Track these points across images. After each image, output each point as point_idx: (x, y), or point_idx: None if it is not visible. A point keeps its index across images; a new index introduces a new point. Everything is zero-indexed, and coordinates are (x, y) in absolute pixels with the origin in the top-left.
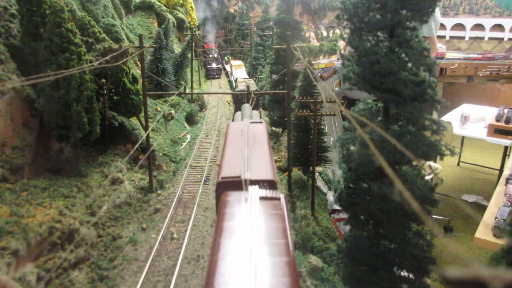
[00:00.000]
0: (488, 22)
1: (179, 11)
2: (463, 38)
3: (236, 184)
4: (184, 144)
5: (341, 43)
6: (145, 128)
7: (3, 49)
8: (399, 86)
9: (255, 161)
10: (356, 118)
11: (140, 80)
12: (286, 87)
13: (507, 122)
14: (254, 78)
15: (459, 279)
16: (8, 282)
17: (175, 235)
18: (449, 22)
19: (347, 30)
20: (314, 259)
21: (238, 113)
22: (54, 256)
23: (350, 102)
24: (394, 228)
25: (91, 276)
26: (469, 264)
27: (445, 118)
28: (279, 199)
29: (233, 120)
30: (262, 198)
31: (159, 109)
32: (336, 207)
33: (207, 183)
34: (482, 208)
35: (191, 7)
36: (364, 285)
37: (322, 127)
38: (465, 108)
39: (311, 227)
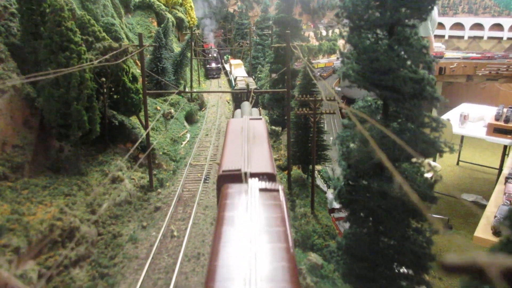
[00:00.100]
0: (487, 21)
1: (178, 10)
2: (462, 37)
3: (236, 177)
4: (184, 143)
5: (340, 43)
6: (145, 127)
7: (3, 48)
8: (399, 83)
9: (254, 155)
10: (356, 115)
11: (140, 79)
12: (285, 86)
13: (506, 121)
14: (254, 77)
15: (456, 266)
16: (9, 279)
17: (175, 233)
18: (448, 21)
19: (347, 28)
20: (314, 257)
21: (238, 110)
22: (55, 253)
23: (349, 102)
24: (393, 225)
25: (91, 273)
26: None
27: (444, 117)
28: (278, 190)
29: (233, 117)
30: (261, 190)
31: (159, 108)
32: (336, 205)
33: (207, 181)
34: (481, 207)
35: (191, 6)
36: (363, 281)
37: (322, 125)
38: (464, 108)
39: (311, 225)
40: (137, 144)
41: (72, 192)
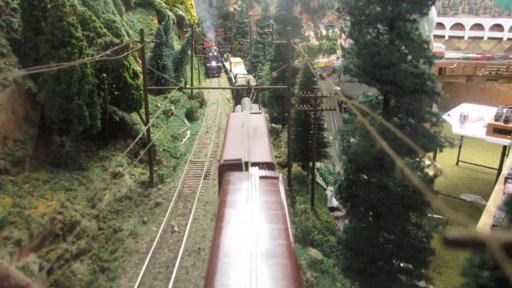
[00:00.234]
0: (487, 22)
1: (179, 8)
2: (462, 37)
3: (237, 166)
4: (184, 140)
5: (340, 42)
6: (146, 123)
7: (5, 43)
8: (399, 77)
9: (254, 146)
10: (357, 108)
11: (141, 76)
12: (286, 82)
13: (506, 121)
14: (254, 75)
15: (458, 240)
16: (10, 270)
17: (175, 228)
18: (448, 21)
19: (348, 23)
20: (314, 252)
21: (238, 106)
22: (56, 247)
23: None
24: (393, 219)
25: (92, 267)
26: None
27: (445, 116)
28: (277, 178)
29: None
30: (261, 177)
31: (159, 105)
32: (335, 203)
33: (208, 178)
34: (480, 207)
35: (191, 4)
36: (363, 276)
37: (322, 123)
38: (464, 108)
39: (311, 221)
40: (137, 139)
41: (73, 186)
